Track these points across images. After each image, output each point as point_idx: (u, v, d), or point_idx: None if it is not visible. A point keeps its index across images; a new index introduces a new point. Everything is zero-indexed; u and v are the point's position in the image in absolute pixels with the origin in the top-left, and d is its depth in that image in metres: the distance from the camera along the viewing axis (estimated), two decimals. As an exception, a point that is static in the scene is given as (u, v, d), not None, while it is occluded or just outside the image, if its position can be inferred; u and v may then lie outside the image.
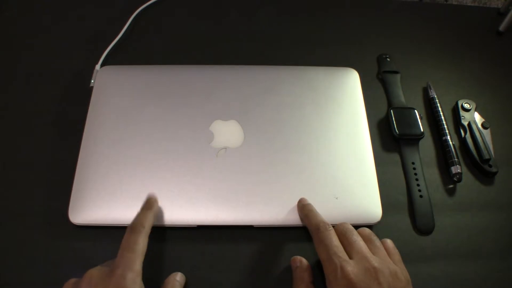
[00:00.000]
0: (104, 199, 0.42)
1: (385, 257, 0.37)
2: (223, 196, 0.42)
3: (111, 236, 0.42)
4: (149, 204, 0.40)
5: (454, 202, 0.47)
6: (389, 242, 0.40)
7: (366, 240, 0.38)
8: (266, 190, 0.43)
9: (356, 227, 0.41)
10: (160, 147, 0.45)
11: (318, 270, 0.40)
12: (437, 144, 0.51)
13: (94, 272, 0.34)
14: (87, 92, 0.50)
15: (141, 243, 0.35)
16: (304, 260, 0.40)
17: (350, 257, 0.36)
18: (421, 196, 0.46)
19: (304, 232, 0.43)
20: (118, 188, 0.42)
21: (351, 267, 0.34)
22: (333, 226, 0.39)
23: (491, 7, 0.67)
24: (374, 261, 0.35)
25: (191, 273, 0.41)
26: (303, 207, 0.41)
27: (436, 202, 0.47)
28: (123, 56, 0.56)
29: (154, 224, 0.41)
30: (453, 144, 0.49)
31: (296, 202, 0.42)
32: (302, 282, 0.38)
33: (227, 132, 0.46)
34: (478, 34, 0.62)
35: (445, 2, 1.31)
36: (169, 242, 0.42)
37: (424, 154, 0.50)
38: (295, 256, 0.40)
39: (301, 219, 0.41)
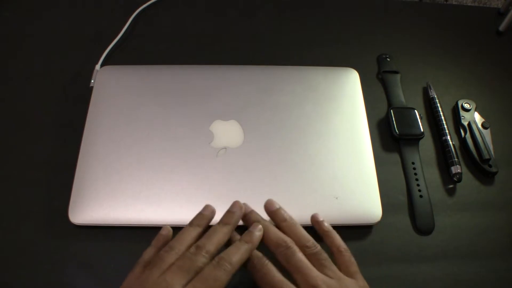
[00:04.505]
0: (104, 199, 0.42)
1: (338, 275, 0.35)
2: (223, 196, 0.42)
3: (111, 236, 0.42)
4: (250, 237, 0.36)
5: (454, 202, 0.47)
6: (344, 253, 0.37)
7: (314, 261, 0.35)
8: (266, 190, 0.43)
9: (356, 227, 0.41)
10: (160, 147, 0.45)
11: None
12: (437, 144, 0.51)
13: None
14: (87, 92, 0.50)
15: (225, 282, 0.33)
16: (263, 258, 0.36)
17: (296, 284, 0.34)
18: (421, 196, 0.46)
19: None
20: (118, 188, 0.42)
21: (323, 280, 0.33)
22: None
23: (491, 7, 0.67)
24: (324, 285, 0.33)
25: (191, 273, 0.41)
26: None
27: (436, 202, 0.47)
28: (123, 56, 0.56)
29: (154, 224, 0.41)
30: (453, 144, 0.49)
31: (296, 202, 0.42)
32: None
33: (227, 132, 0.46)
34: (478, 34, 0.62)
35: (445, 2, 1.31)
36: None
37: (424, 154, 0.50)
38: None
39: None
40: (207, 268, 0.33)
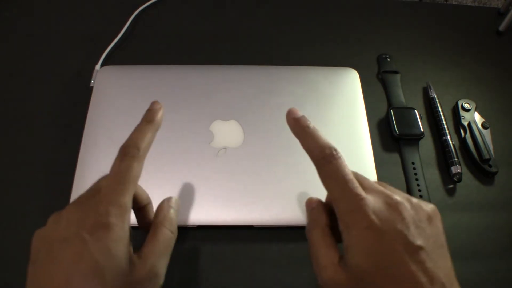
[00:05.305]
0: (104, 199, 0.42)
1: (402, 192, 0.31)
2: (223, 196, 0.42)
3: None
4: (150, 115, 0.33)
5: (454, 202, 0.47)
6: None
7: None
8: (266, 190, 0.43)
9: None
10: (160, 147, 0.45)
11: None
12: (437, 144, 0.51)
13: (75, 207, 0.29)
14: (87, 92, 0.50)
15: (134, 170, 0.29)
16: (320, 202, 0.33)
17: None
18: (421, 196, 0.46)
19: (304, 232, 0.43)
20: (118, 188, 0.42)
21: (372, 205, 0.28)
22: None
23: (491, 7, 0.67)
24: (394, 194, 0.29)
25: (191, 273, 0.41)
26: (296, 123, 0.32)
27: (436, 202, 0.46)
28: (123, 56, 0.56)
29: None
30: (453, 144, 0.49)
31: (296, 203, 0.42)
32: (317, 225, 0.31)
33: (227, 132, 0.46)
34: (478, 34, 0.62)
35: (445, 2, 1.31)
36: (169, 242, 0.42)
37: (424, 154, 0.50)
38: (311, 197, 0.33)
39: (297, 137, 0.33)
40: (114, 163, 0.30)
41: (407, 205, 0.29)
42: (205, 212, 0.42)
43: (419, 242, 0.27)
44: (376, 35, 0.61)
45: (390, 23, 0.62)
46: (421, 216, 0.29)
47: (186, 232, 0.43)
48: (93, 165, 0.44)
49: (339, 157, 0.30)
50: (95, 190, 0.30)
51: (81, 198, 0.30)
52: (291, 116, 0.33)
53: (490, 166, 0.48)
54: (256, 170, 0.44)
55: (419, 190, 0.47)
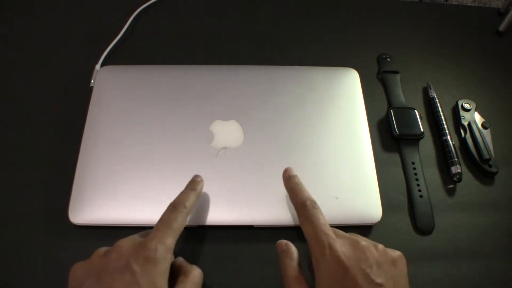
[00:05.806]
0: (104, 199, 0.42)
1: (370, 240, 0.35)
2: (223, 196, 0.42)
3: (111, 236, 0.41)
4: (194, 185, 0.40)
5: (454, 202, 0.47)
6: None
7: None
8: (266, 190, 0.43)
9: (356, 227, 0.41)
10: (160, 147, 0.45)
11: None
12: (437, 144, 0.51)
13: (125, 243, 0.33)
14: (87, 92, 0.50)
15: (179, 221, 0.35)
16: (290, 244, 0.38)
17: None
18: (421, 196, 0.46)
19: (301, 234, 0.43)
20: (118, 188, 0.42)
21: (340, 245, 0.33)
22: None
23: (491, 7, 0.67)
24: (360, 239, 0.34)
25: (191, 273, 0.41)
26: (289, 179, 0.40)
27: (436, 202, 0.47)
28: (123, 56, 0.56)
29: (154, 224, 0.41)
30: (453, 144, 0.49)
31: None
32: (289, 265, 0.36)
33: (227, 132, 0.46)
34: (478, 34, 0.62)
35: (445, 2, 1.31)
36: (169, 242, 0.42)
37: (424, 154, 0.50)
38: (281, 240, 0.38)
39: (287, 191, 0.41)
40: (164, 213, 0.36)
41: (372, 248, 0.33)
42: (205, 212, 0.42)
43: (379, 280, 0.31)
44: (376, 35, 0.61)
45: (390, 23, 0.62)
46: (385, 259, 0.33)
47: (186, 232, 0.43)
48: (93, 165, 0.44)
49: (317, 208, 0.36)
50: (145, 233, 0.36)
51: (131, 237, 0.34)
52: (287, 174, 0.41)
53: (490, 166, 0.48)
54: (256, 170, 0.44)
55: (419, 190, 0.47)
